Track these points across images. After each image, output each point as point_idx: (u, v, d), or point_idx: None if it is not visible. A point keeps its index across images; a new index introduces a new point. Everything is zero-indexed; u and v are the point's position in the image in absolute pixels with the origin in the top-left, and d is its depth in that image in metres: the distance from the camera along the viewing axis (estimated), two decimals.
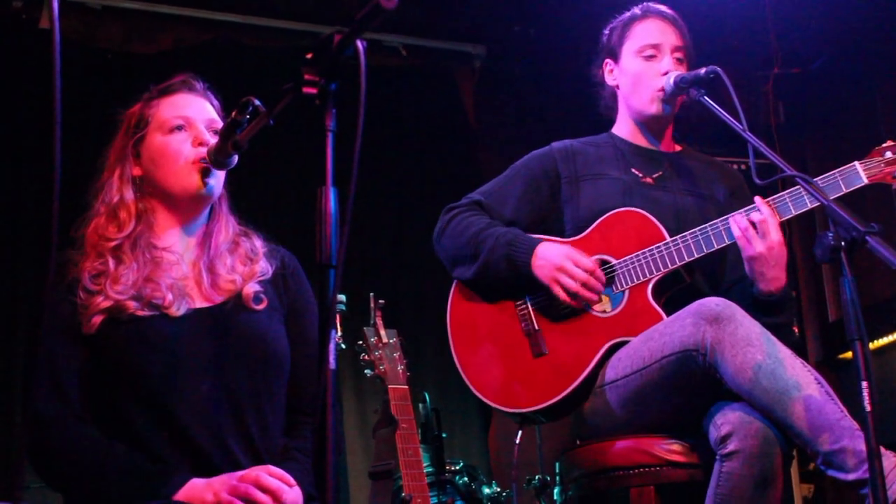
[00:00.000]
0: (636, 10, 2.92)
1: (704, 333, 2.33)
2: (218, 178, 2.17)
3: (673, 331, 2.41)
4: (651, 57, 2.82)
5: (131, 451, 1.98)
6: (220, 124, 2.18)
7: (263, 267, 2.22)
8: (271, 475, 1.95)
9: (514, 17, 5.29)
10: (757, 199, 2.54)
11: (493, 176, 3.00)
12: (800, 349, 2.42)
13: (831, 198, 2.13)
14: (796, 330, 2.73)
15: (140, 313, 2.04)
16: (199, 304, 2.12)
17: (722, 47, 4.74)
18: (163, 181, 2.16)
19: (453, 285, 2.87)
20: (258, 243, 2.27)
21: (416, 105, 5.45)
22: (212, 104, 2.25)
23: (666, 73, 2.77)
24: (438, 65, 5.52)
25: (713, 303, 2.38)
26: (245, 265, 2.19)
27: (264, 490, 1.92)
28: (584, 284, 2.62)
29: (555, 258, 2.66)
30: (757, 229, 2.49)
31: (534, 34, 5.38)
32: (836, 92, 5.20)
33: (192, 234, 2.22)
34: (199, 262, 2.18)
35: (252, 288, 2.16)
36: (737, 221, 2.53)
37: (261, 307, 2.16)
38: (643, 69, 2.82)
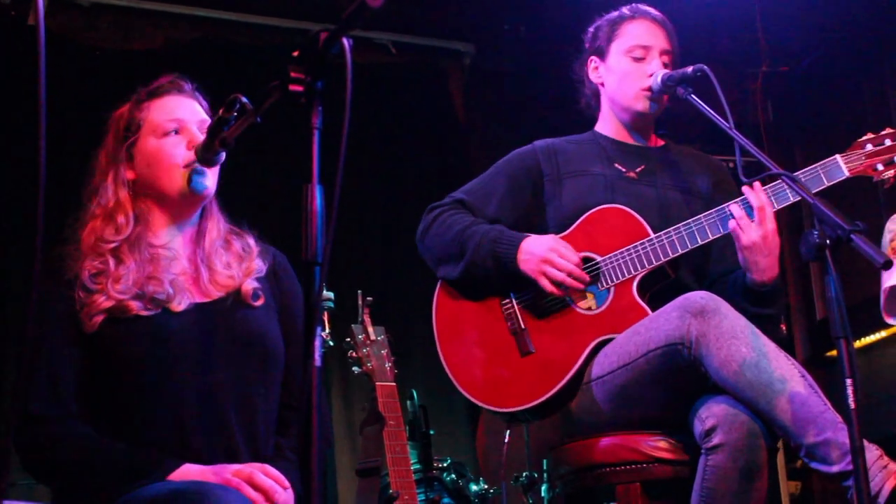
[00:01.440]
0: (625, 9, 2.90)
1: (689, 326, 2.34)
2: (210, 177, 2.18)
3: (658, 325, 2.42)
4: (639, 59, 2.81)
5: (126, 444, 1.98)
6: None
7: (259, 264, 2.23)
8: (267, 475, 1.95)
9: (504, 14, 5.29)
10: (745, 188, 2.52)
11: (482, 173, 2.99)
12: (787, 347, 2.43)
13: (814, 191, 2.13)
14: (784, 327, 2.73)
15: (143, 313, 2.05)
16: (198, 299, 2.13)
17: (710, 45, 4.75)
18: (158, 184, 2.16)
19: (438, 286, 2.87)
20: (251, 241, 2.28)
21: (405, 102, 5.44)
22: (200, 105, 2.26)
23: (652, 75, 2.77)
24: (428, 62, 5.51)
25: (698, 296, 2.38)
26: (240, 262, 2.21)
27: (257, 488, 1.92)
28: (570, 274, 2.62)
29: (539, 251, 2.65)
30: (753, 217, 2.49)
31: (524, 32, 5.37)
32: (824, 90, 5.22)
33: (187, 232, 2.23)
34: (196, 259, 2.19)
35: (251, 284, 2.18)
36: (733, 210, 2.51)
37: (258, 304, 2.18)
38: (631, 69, 2.82)
